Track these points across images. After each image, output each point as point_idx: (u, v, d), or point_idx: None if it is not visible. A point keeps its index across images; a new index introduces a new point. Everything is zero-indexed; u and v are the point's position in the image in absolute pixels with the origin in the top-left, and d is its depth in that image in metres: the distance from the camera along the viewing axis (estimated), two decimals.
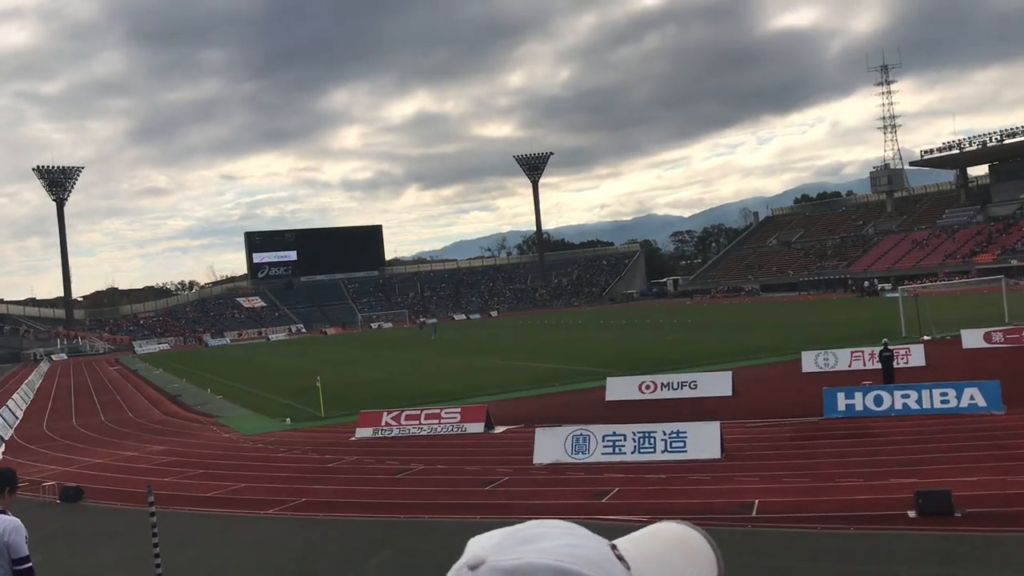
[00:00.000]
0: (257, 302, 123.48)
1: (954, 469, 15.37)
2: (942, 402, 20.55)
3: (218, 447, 25.87)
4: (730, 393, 26.27)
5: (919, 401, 20.79)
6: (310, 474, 20.15)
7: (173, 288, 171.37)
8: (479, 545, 1.05)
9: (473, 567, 1.02)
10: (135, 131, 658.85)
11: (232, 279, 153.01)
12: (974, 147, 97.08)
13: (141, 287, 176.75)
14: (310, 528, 15.49)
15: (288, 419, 29.98)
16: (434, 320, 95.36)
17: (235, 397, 38.86)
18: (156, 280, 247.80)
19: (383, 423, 24.80)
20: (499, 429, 23.88)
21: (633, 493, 15.78)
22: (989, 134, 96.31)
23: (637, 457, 18.15)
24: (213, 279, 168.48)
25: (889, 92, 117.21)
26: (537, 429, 20.17)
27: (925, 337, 35.32)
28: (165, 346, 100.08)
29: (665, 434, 18.38)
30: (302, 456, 22.77)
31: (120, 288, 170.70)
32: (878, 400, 21.22)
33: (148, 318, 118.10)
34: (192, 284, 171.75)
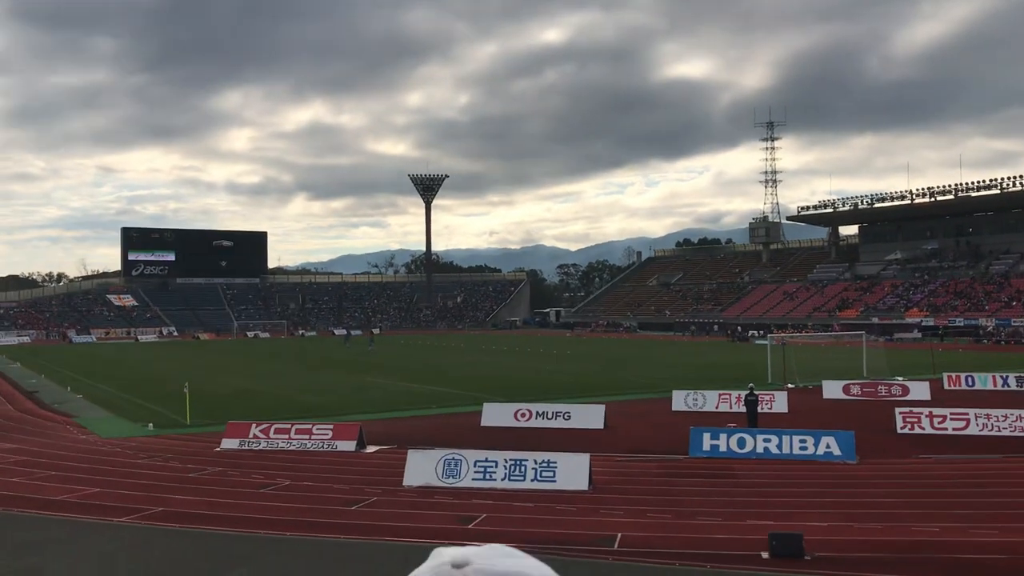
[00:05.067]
0: (129, 301, 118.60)
1: (807, 514, 16.04)
2: (800, 449, 21.48)
3: (73, 449, 24.68)
4: (602, 426, 26.74)
5: (779, 446, 21.66)
6: (170, 483, 19.43)
7: (40, 279, 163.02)
8: (457, 551, 1.06)
9: (458, 566, 1.02)
10: (11, 112, 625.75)
11: (104, 275, 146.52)
12: (846, 208, 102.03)
13: (5, 275, 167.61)
14: (165, 539, 14.93)
15: (151, 424, 28.93)
16: (376, 329, 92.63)
17: (96, 398, 37.20)
18: (22, 269, 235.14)
19: (251, 435, 24.17)
20: (371, 449, 23.61)
21: (500, 520, 15.84)
22: (860, 197, 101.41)
23: (507, 484, 18.25)
24: (84, 273, 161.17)
25: (772, 148, 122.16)
26: (409, 451, 20.03)
27: (789, 385, 36.77)
28: (26, 339, 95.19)
29: (536, 463, 18.56)
30: (163, 464, 21.96)
31: None
32: (741, 443, 22.00)
33: (9, 308, 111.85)
34: (61, 276, 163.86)
